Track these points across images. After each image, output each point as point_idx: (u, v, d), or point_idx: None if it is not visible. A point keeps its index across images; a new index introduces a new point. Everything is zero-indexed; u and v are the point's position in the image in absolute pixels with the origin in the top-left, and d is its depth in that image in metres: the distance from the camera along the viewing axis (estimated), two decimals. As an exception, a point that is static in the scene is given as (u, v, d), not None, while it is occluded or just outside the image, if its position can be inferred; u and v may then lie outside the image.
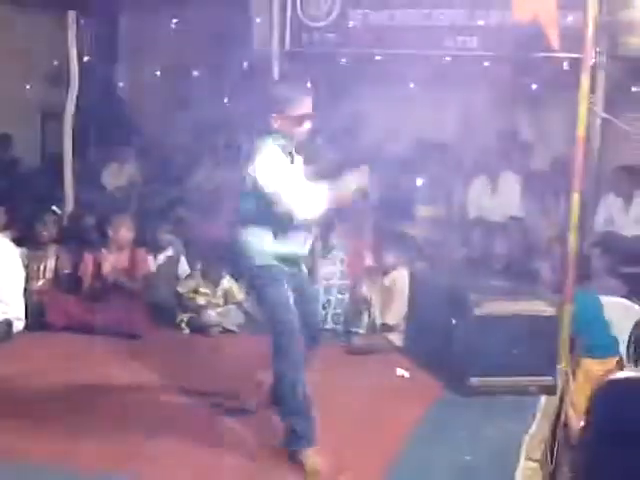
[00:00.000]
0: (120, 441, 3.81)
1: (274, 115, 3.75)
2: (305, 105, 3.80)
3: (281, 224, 3.75)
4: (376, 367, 5.17)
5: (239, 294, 6.04)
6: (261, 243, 3.76)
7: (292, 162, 3.88)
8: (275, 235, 3.77)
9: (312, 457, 3.63)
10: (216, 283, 6.03)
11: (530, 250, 6.56)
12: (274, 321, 3.73)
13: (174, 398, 4.46)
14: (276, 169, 3.71)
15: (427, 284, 5.47)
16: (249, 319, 6.00)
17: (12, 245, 5.61)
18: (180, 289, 6.01)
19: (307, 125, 3.82)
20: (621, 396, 1.93)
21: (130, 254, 6.08)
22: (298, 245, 3.88)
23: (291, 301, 3.75)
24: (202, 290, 6.00)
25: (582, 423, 2.87)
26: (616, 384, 1.93)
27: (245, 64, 7.84)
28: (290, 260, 3.85)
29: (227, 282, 6.04)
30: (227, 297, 6.04)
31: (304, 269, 4.08)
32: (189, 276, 6.14)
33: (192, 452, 3.76)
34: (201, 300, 5.96)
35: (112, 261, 6.02)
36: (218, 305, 5.98)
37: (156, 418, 4.14)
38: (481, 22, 7.11)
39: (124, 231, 6.03)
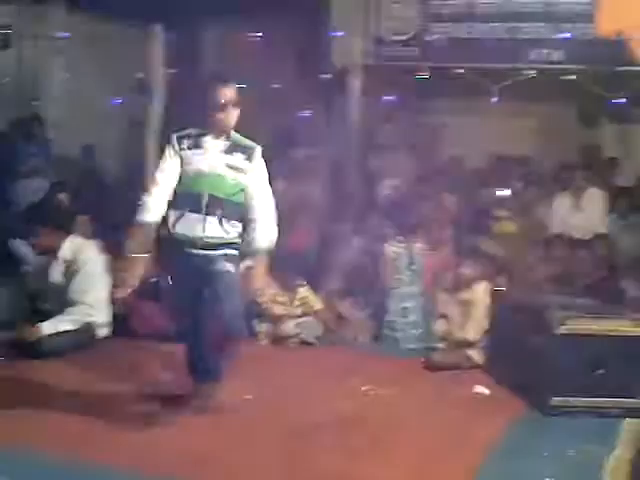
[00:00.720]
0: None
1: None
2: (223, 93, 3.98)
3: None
4: (455, 383, 5.11)
5: (317, 303, 6.06)
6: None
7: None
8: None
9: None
10: (293, 292, 6.05)
11: (616, 268, 6.40)
12: None
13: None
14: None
15: (508, 300, 5.39)
16: (327, 330, 6.01)
17: (98, 252, 5.74)
18: (258, 298, 6.01)
19: (229, 113, 4.00)
20: None
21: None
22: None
23: None
24: (280, 299, 6.02)
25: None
26: None
27: (325, 77, 7.87)
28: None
29: (304, 291, 6.06)
30: (304, 306, 6.06)
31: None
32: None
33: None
34: (279, 309, 5.99)
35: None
36: (295, 315, 5.99)
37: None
38: (566, 35, 7.01)
39: None
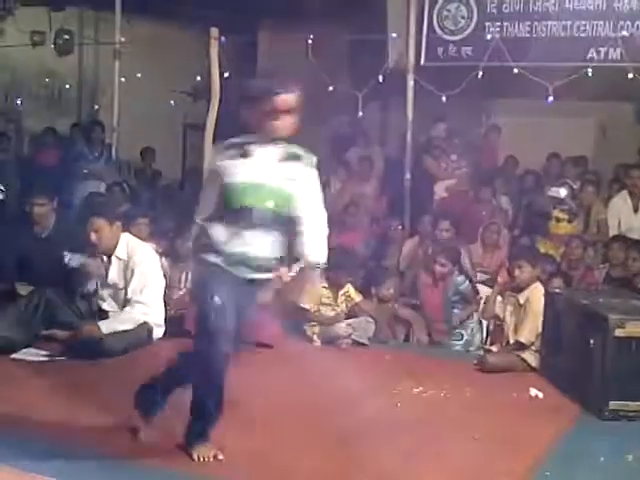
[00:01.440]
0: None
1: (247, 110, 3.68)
2: (281, 100, 3.63)
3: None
4: (509, 386, 5.06)
5: (357, 296, 6.08)
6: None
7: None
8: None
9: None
10: (337, 288, 6.08)
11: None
12: None
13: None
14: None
15: (565, 302, 5.32)
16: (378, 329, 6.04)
17: (155, 253, 5.83)
18: (304, 304, 6.02)
19: (286, 120, 3.65)
20: None
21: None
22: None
23: None
24: (325, 300, 6.05)
25: None
26: None
27: (381, 79, 7.86)
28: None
29: (346, 286, 6.09)
30: (347, 301, 6.09)
31: None
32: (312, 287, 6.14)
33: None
34: (327, 310, 6.02)
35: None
36: (343, 313, 6.02)
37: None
38: (625, 33, 6.89)
39: None
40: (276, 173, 3.68)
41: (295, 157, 3.75)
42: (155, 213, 7.24)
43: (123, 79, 9.08)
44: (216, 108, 7.30)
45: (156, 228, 6.68)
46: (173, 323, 5.76)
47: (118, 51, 9.06)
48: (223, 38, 7.37)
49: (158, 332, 5.68)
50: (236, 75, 7.81)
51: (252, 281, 3.72)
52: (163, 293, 5.77)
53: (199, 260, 3.72)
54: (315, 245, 3.73)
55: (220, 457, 3.71)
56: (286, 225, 3.72)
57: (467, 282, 6.28)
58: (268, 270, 3.74)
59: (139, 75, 9.12)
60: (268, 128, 3.66)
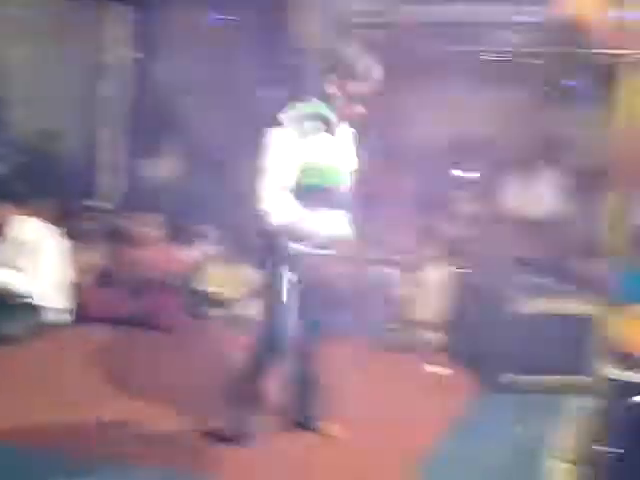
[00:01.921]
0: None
1: (334, 79, 3.47)
2: (369, 83, 3.46)
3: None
4: (411, 363, 5.18)
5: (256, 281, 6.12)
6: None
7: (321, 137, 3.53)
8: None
9: None
10: (235, 269, 6.10)
11: (572, 249, 6.49)
12: None
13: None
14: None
15: (468, 281, 5.46)
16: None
17: (58, 236, 5.71)
18: (205, 285, 6.02)
19: (360, 108, 3.49)
20: None
21: (167, 253, 6.10)
22: None
23: None
24: (228, 281, 6.07)
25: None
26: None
27: (286, 60, 7.86)
28: None
29: (246, 268, 6.12)
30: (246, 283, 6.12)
31: None
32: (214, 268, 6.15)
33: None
34: (229, 293, 6.03)
35: (146, 257, 6.06)
36: (243, 294, 6.05)
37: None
38: (522, 18, 7.04)
39: (154, 229, 6.06)
40: (339, 152, 3.67)
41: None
42: (56, 196, 7.07)
43: (25, 56, 8.81)
44: (127, 89, 7.19)
45: (58, 211, 6.53)
46: (78, 307, 5.68)
47: (20, 27, 8.77)
48: (132, 17, 7.23)
49: (64, 317, 5.59)
50: (145, 56, 7.69)
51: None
52: (67, 277, 5.67)
53: None
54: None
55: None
56: None
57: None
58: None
59: (43, 52, 8.86)
60: (347, 112, 3.51)
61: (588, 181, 7.33)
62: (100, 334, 5.45)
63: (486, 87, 7.99)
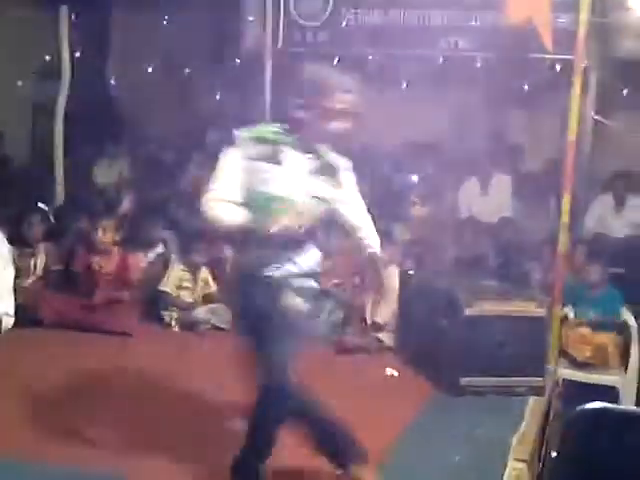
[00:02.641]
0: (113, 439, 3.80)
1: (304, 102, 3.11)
2: (341, 98, 3.13)
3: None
4: (365, 367, 5.17)
5: (212, 283, 6.05)
6: None
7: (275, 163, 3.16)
8: None
9: None
10: (196, 272, 6.03)
11: (521, 251, 6.57)
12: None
13: (164, 396, 4.44)
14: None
15: (418, 283, 5.48)
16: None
17: (2, 239, 5.56)
18: (164, 288, 5.97)
19: (341, 124, 3.16)
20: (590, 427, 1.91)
21: (119, 258, 5.97)
22: None
23: None
24: (185, 284, 6.00)
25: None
26: (586, 414, 1.90)
27: (237, 62, 7.81)
28: None
29: (204, 272, 6.05)
30: (204, 287, 6.06)
31: None
32: (172, 271, 6.09)
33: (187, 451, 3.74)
34: (187, 296, 5.97)
35: (100, 263, 5.94)
36: (200, 297, 5.98)
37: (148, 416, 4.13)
38: (474, 23, 7.10)
39: (109, 234, 5.90)
40: (306, 190, 3.17)
41: (330, 168, 3.24)
42: (3, 198, 6.92)
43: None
44: (67, 89, 7.06)
45: (3, 214, 6.39)
46: (24, 312, 5.54)
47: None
48: (74, 16, 7.12)
49: (8, 322, 5.44)
50: (88, 55, 7.58)
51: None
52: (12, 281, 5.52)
53: None
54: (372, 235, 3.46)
55: None
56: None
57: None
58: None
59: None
60: (320, 128, 3.13)
61: (540, 184, 7.45)
62: (49, 338, 5.33)
63: (438, 91, 8.06)
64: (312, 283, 3.32)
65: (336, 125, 3.14)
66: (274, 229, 3.06)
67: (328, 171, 3.23)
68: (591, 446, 1.87)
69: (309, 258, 3.28)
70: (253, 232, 3.11)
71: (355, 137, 3.34)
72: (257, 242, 3.13)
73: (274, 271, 3.17)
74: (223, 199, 3.14)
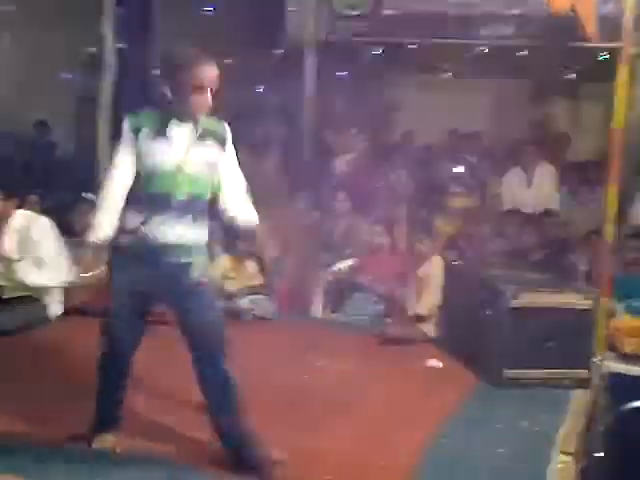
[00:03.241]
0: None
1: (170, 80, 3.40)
2: (206, 75, 3.39)
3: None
4: (409, 357, 5.17)
5: (257, 277, 6.09)
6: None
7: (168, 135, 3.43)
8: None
9: None
10: (242, 263, 6.07)
11: (566, 242, 6.50)
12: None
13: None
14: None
15: (461, 275, 5.45)
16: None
17: (53, 228, 5.66)
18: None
19: (205, 98, 3.40)
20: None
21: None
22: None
23: None
24: (230, 274, 6.04)
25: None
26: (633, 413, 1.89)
27: (278, 52, 7.83)
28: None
29: (249, 263, 6.09)
30: (249, 278, 6.10)
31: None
32: (217, 260, 6.13)
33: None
34: (231, 286, 6.01)
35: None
36: (244, 287, 6.03)
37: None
38: (517, 11, 7.04)
39: None
40: (194, 157, 3.43)
41: (213, 133, 3.49)
42: (48, 188, 7.02)
43: (13, 49, 8.74)
44: (111, 80, 7.13)
45: (49, 203, 6.49)
46: (70, 300, 5.66)
47: (9, 20, 8.70)
48: (119, 8, 7.18)
49: (57, 309, 5.56)
50: (132, 46, 7.64)
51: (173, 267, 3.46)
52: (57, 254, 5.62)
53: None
54: (250, 207, 3.65)
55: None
56: (205, 209, 3.52)
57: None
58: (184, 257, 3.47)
59: (30, 45, 8.79)
60: (187, 103, 3.38)
61: (586, 174, 7.35)
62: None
63: (482, 80, 8.00)
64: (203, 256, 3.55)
65: (203, 97, 3.40)
66: (181, 197, 3.39)
67: (212, 135, 3.50)
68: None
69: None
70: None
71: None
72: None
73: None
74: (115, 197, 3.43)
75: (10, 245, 5.42)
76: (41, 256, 5.40)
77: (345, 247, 6.60)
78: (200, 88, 3.37)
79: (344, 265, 6.37)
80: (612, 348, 5.16)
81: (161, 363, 4.47)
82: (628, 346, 5.09)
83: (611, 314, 5.21)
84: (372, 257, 6.32)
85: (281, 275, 6.31)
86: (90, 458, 3.51)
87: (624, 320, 5.29)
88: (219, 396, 3.47)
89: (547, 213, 6.99)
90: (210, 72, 3.40)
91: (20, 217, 5.46)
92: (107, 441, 3.61)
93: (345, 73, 7.68)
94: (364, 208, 7.00)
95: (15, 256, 5.39)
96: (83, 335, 5.04)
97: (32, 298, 5.39)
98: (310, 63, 7.75)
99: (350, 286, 6.21)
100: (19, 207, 5.55)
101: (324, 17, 7.90)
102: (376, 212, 6.88)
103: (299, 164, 7.85)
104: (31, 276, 5.38)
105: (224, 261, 6.09)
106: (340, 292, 6.24)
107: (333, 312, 6.21)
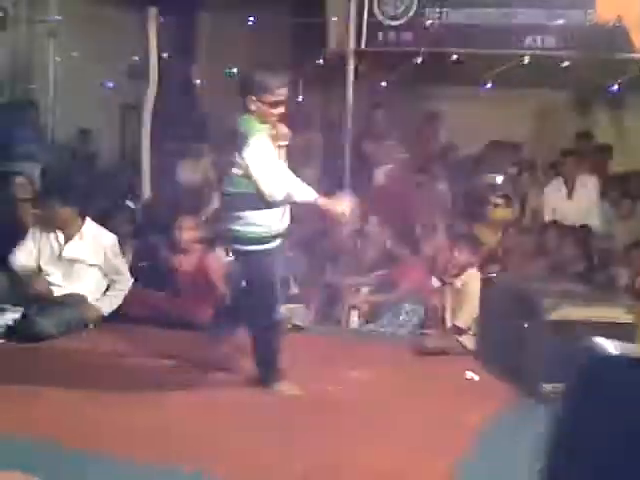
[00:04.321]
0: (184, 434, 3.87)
1: (252, 97, 4.23)
2: (281, 93, 4.27)
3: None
4: (446, 369, 5.13)
5: (294, 287, 6.11)
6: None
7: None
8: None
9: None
10: None
11: (608, 255, 6.41)
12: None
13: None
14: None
15: (500, 287, 5.40)
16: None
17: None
18: None
19: (280, 109, 4.28)
20: None
21: (199, 257, 5.99)
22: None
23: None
24: None
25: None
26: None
27: (321, 62, 7.84)
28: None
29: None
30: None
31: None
32: None
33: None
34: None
35: (181, 261, 6.02)
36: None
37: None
38: (561, 21, 6.97)
39: (187, 232, 5.97)
40: None
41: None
42: (91, 196, 7.11)
43: (58, 58, 8.86)
44: (154, 89, 7.21)
45: (91, 211, 6.57)
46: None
47: (53, 29, 8.84)
48: (162, 17, 7.26)
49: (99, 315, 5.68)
50: (174, 56, 7.72)
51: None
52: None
53: None
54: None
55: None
56: None
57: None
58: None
59: (75, 54, 8.92)
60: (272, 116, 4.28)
61: (628, 186, 7.25)
62: (139, 333, 5.49)
63: (524, 90, 7.94)
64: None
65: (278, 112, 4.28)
66: None
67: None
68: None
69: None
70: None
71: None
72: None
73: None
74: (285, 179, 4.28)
75: (74, 250, 5.56)
76: (116, 267, 5.67)
77: (381, 259, 6.57)
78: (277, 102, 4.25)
79: (378, 275, 6.35)
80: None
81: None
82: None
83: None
84: (409, 268, 6.30)
85: (317, 284, 6.32)
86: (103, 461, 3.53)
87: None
88: None
89: (588, 225, 6.90)
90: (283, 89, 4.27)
91: (91, 226, 5.65)
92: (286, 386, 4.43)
93: (386, 83, 7.66)
94: (401, 220, 6.98)
95: (91, 261, 5.60)
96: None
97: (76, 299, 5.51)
98: (351, 72, 7.74)
99: (387, 297, 6.19)
100: (82, 215, 5.73)
101: (365, 27, 7.90)
102: (414, 223, 6.86)
103: (339, 174, 7.84)
104: (98, 283, 5.60)
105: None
106: (377, 303, 6.23)
107: (368, 323, 6.19)
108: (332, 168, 8.04)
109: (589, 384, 1.38)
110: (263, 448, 3.72)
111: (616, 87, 6.55)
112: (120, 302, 5.73)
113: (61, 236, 5.66)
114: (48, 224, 5.67)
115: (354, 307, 6.21)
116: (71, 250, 5.64)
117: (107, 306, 5.69)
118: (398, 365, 5.14)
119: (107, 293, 5.72)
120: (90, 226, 5.73)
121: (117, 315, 5.74)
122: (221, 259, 6.13)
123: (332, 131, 8.77)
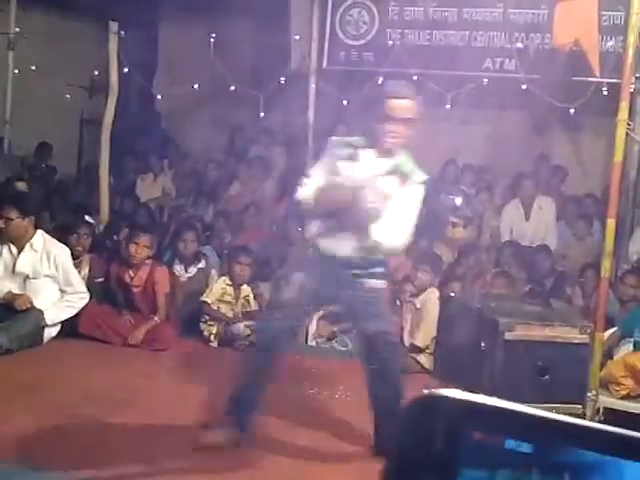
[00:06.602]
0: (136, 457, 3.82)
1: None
2: (402, 109, 3.67)
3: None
4: (404, 387, 5.12)
5: (254, 303, 6.06)
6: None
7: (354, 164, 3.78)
8: None
9: None
10: (239, 289, 6.05)
11: (563, 276, 6.49)
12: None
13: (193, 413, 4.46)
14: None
15: (458, 306, 5.44)
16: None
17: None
18: (205, 299, 6.00)
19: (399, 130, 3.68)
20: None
21: (148, 272, 5.97)
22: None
23: None
24: (226, 298, 6.01)
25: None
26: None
27: (282, 80, 7.86)
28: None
29: (246, 289, 6.08)
30: (244, 305, 6.07)
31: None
32: (214, 283, 6.13)
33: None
34: (227, 310, 5.98)
35: (132, 276, 5.97)
36: (240, 313, 6.00)
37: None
38: (520, 45, 7.08)
39: (140, 248, 5.91)
40: (374, 182, 3.67)
41: (401, 173, 3.73)
42: (49, 210, 7.04)
43: (17, 71, 8.77)
44: (114, 104, 7.16)
45: (50, 225, 6.51)
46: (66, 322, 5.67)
47: (12, 42, 8.75)
48: (122, 32, 7.23)
49: (52, 331, 5.57)
50: (135, 71, 7.67)
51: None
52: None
53: None
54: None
55: None
56: None
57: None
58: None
59: (34, 67, 8.83)
60: (381, 136, 3.71)
61: (583, 208, 7.36)
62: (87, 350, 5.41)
63: (483, 112, 8.03)
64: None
65: (395, 128, 3.68)
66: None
67: (398, 174, 3.71)
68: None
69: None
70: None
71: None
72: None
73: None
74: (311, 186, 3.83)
75: (25, 263, 5.48)
76: (67, 279, 5.56)
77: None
78: (394, 121, 3.67)
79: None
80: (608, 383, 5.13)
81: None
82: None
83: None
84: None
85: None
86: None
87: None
88: None
89: (544, 246, 6.98)
90: (404, 106, 3.68)
91: (42, 237, 5.55)
92: None
93: (347, 102, 7.70)
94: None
95: (44, 272, 5.52)
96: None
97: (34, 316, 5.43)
98: (313, 91, 7.78)
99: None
100: (37, 222, 5.65)
101: (327, 46, 7.94)
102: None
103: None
104: (53, 295, 5.48)
105: (221, 284, 6.07)
106: (334, 320, 6.22)
107: (329, 340, 6.18)
108: (295, 184, 8.03)
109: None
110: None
111: (573, 110, 6.64)
112: (72, 314, 5.61)
113: (14, 248, 5.57)
114: (1, 236, 5.57)
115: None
116: (24, 262, 5.54)
117: (54, 316, 5.56)
118: (354, 382, 5.11)
119: (56, 303, 5.60)
120: (40, 238, 5.62)
121: (73, 330, 5.65)
122: (166, 274, 6.12)
123: (294, 147, 8.81)
